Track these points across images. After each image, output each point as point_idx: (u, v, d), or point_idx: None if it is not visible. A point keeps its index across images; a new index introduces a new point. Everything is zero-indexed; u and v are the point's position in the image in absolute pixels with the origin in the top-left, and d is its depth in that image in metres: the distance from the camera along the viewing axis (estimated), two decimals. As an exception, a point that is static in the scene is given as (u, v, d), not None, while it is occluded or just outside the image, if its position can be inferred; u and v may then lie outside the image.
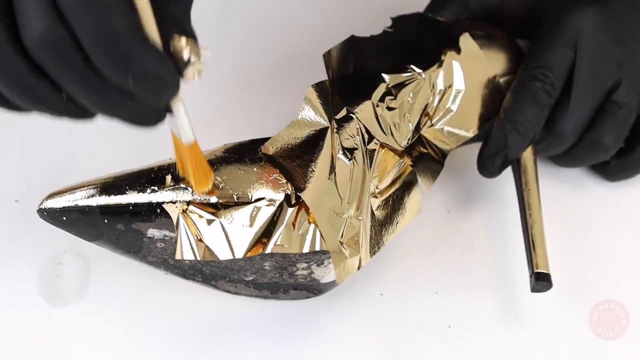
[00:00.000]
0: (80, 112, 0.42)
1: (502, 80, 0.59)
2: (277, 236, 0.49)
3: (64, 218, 0.49)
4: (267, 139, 0.50)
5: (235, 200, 0.49)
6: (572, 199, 0.61)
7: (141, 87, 0.40)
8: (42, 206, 0.49)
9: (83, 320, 0.55)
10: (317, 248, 0.49)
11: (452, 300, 0.56)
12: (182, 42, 0.40)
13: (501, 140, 0.56)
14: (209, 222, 0.49)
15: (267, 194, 0.49)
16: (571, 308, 0.56)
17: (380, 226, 0.53)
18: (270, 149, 0.50)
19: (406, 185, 0.55)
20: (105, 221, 0.49)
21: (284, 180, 0.50)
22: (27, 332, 0.54)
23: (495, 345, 0.55)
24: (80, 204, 0.49)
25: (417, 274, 0.57)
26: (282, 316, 0.55)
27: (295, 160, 0.50)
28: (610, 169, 0.61)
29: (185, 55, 0.40)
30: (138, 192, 0.49)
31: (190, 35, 0.41)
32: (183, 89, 0.42)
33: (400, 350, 0.54)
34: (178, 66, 0.40)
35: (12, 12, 0.39)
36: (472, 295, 0.56)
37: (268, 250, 0.49)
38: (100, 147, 0.62)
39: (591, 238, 0.59)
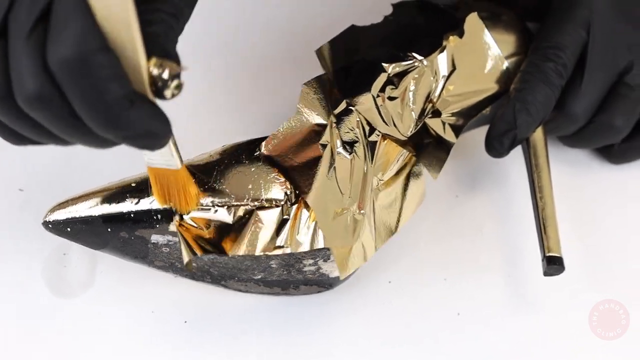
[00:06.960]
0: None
1: (508, 61, 0.57)
2: (282, 236, 0.49)
3: (69, 229, 0.50)
4: (264, 138, 0.50)
5: (233, 203, 0.49)
6: (577, 181, 0.60)
7: (133, 144, 0.40)
8: (47, 219, 0.50)
9: (89, 311, 0.54)
10: (319, 246, 0.49)
11: (461, 287, 0.56)
12: (158, 63, 0.40)
13: (510, 119, 0.55)
14: (207, 224, 0.49)
15: (267, 194, 0.49)
16: (583, 292, 0.55)
17: (385, 218, 0.53)
18: (267, 147, 0.50)
19: (410, 176, 0.55)
20: (109, 230, 0.50)
21: (283, 179, 0.50)
22: (32, 322, 0.54)
23: (505, 331, 0.54)
24: (83, 214, 0.50)
25: (425, 261, 0.57)
26: (292, 311, 0.55)
27: (293, 159, 0.50)
28: (615, 152, 0.59)
29: (165, 76, 0.40)
30: (139, 200, 0.49)
31: (168, 55, 0.40)
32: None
33: (410, 339, 0.54)
34: (156, 87, 0.40)
35: (8, 69, 0.40)
36: (481, 281, 0.56)
37: (271, 252, 0.49)
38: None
39: (600, 220, 0.58)
